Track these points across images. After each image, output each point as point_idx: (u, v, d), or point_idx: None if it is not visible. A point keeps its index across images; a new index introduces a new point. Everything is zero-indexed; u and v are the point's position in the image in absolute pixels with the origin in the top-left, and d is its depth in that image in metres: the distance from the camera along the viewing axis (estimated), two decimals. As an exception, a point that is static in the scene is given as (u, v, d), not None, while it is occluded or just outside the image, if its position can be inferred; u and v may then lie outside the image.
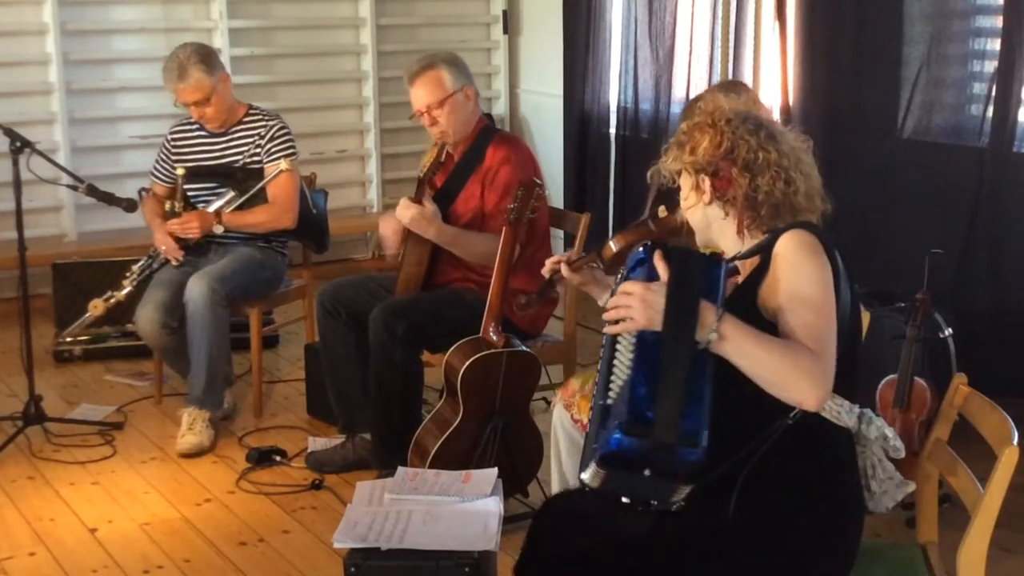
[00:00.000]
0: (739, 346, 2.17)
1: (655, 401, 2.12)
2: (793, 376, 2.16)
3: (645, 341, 2.20)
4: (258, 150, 4.68)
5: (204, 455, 4.38)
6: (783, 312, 2.23)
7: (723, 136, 2.38)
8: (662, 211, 3.17)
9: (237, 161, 4.70)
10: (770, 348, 2.17)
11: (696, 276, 2.21)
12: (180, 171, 4.65)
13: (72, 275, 5.51)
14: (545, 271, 3.18)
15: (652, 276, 2.25)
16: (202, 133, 4.75)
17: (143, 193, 4.86)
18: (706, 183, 2.40)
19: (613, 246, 3.20)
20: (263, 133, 4.69)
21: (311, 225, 4.86)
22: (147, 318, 4.49)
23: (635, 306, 2.20)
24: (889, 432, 2.40)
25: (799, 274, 2.25)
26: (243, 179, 4.64)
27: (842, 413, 2.31)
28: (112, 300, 4.66)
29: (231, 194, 4.64)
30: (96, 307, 4.67)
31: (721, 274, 2.24)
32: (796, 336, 2.19)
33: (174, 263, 4.62)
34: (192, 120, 4.77)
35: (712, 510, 2.26)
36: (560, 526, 2.47)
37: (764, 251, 2.34)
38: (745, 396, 2.20)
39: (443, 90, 4.00)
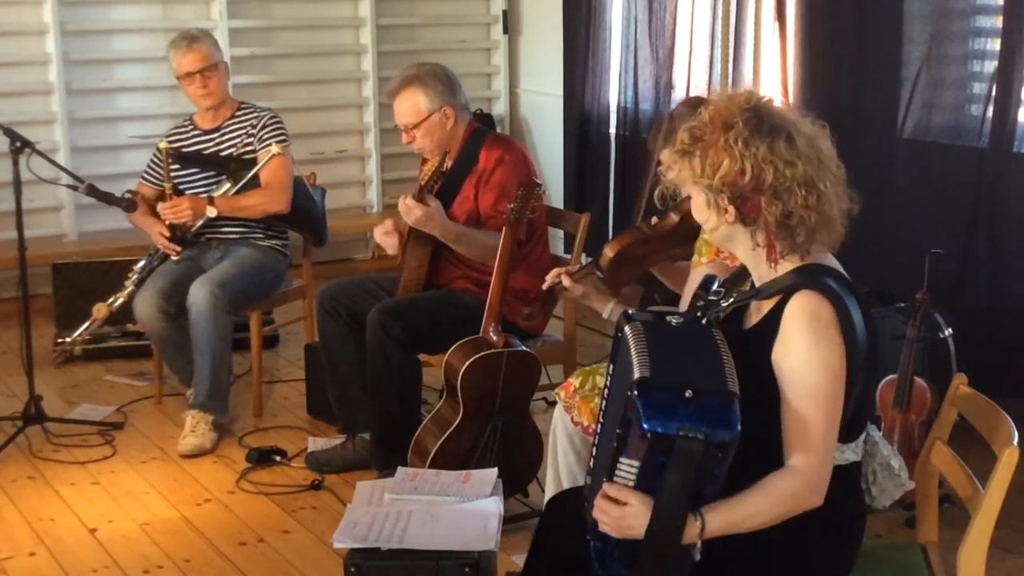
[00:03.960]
0: (729, 531, 2.16)
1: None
2: (789, 509, 2.18)
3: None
4: (251, 139, 4.70)
5: (205, 455, 4.38)
6: (784, 391, 2.19)
7: (744, 161, 2.17)
8: (654, 221, 3.22)
9: (232, 154, 4.71)
10: (756, 512, 2.16)
11: (687, 488, 2.09)
12: (162, 145, 4.65)
13: (72, 275, 5.51)
14: (546, 285, 3.23)
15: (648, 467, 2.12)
16: (196, 132, 4.78)
17: (128, 195, 4.70)
18: (726, 202, 2.21)
19: (609, 252, 3.23)
20: (254, 123, 4.72)
21: (309, 214, 4.85)
22: (146, 302, 4.50)
23: (611, 527, 2.18)
24: (895, 463, 2.40)
25: (806, 358, 2.16)
26: (236, 168, 4.65)
27: (847, 453, 2.29)
28: (116, 303, 4.64)
29: (227, 185, 4.64)
30: (100, 311, 4.65)
31: (727, 453, 2.08)
32: (790, 432, 2.17)
33: (173, 257, 4.62)
34: (186, 122, 4.83)
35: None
36: (563, 526, 2.46)
37: (783, 293, 2.22)
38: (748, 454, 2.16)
39: (418, 113, 4.01)
